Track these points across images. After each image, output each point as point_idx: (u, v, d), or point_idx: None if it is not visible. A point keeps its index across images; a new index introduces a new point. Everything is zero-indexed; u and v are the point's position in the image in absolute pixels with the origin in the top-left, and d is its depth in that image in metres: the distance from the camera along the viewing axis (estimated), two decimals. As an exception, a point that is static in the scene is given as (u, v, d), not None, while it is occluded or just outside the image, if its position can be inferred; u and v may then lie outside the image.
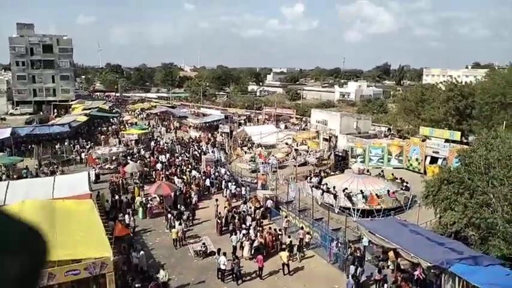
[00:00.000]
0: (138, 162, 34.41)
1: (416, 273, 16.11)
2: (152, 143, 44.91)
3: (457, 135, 33.77)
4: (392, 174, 30.39)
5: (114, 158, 36.27)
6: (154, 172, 32.80)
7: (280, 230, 21.65)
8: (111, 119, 61.11)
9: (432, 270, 15.39)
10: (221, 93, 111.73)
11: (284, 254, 18.26)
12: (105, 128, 54.39)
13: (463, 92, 41.57)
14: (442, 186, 18.87)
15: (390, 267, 17.64)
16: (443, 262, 14.52)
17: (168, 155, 38.34)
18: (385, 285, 16.49)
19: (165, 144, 44.93)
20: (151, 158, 37.36)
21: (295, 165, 34.15)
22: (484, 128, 24.01)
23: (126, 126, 55.67)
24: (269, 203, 25.14)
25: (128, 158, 36.58)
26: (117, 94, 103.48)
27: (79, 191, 21.49)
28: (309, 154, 37.72)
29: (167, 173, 31.75)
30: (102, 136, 48.26)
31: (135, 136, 46.35)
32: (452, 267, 14.30)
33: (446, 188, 18.55)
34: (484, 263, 14.50)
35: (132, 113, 72.29)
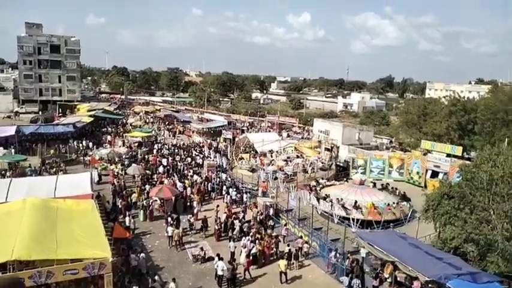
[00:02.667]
0: (141, 164, 34.61)
1: (413, 286, 16.11)
2: (155, 146, 45.03)
3: (458, 150, 33.79)
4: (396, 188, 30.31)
5: (117, 159, 36.45)
6: (156, 175, 32.93)
7: (278, 236, 21.72)
8: (115, 121, 61.43)
9: (430, 285, 15.41)
10: (225, 99, 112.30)
11: (282, 262, 18.28)
12: (110, 129, 54.72)
13: (466, 107, 41.66)
14: (443, 200, 18.92)
15: (388, 279, 17.62)
16: (441, 277, 14.54)
17: (170, 159, 38.48)
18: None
19: (165, 148, 45.01)
20: (153, 160, 37.51)
21: (308, 171, 34.37)
22: (487, 144, 24.02)
23: (131, 128, 55.96)
24: (270, 211, 25.18)
25: (129, 160, 36.75)
26: (122, 96, 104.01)
27: (81, 191, 21.59)
28: (315, 161, 37.65)
29: (168, 178, 31.60)
30: (108, 137, 48.53)
31: (139, 139, 46.58)
32: (450, 282, 14.29)
33: (446, 203, 18.60)
34: (482, 280, 14.51)
35: (136, 115, 72.67)
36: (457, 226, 17.33)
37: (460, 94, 48.24)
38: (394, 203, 25.67)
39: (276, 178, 32.67)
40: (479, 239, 16.32)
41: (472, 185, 17.60)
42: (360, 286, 16.99)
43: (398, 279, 17.27)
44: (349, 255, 19.12)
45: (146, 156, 39.57)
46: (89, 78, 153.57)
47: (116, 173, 32.10)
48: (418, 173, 34.26)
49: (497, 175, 16.66)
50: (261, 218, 24.39)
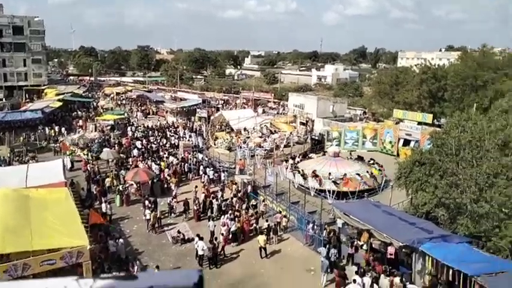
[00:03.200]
0: (114, 148, 34.03)
1: (388, 252, 16.67)
2: (129, 129, 44.20)
3: (429, 118, 34.58)
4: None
5: (89, 145, 35.68)
6: (131, 159, 32.46)
7: (257, 212, 21.96)
8: (85, 104, 59.79)
9: (404, 250, 16.00)
10: (198, 76, 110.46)
11: (261, 238, 18.56)
12: (80, 113, 53.31)
13: (436, 74, 42.33)
14: (414, 167, 19.43)
15: (364, 247, 18.17)
16: (414, 241, 15.08)
17: (144, 141, 37.92)
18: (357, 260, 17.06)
19: (139, 130, 44.28)
20: (127, 143, 36.92)
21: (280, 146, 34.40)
22: (456, 110, 24.62)
23: (102, 111, 54.63)
24: (249, 188, 25.33)
25: (100, 145, 35.94)
26: (92, 78, 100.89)
27: (54, 179, 21.05)
28: (290, 135, 37.74)
29: (143, 162, 31.15)
30: (80, 121, 47.28)
31: (111, 122, 45.57)
32: (422, 246, 14.85)
33: (418, 170, 19.12)
34: (453, 241, 15.16)
35: (107, 97, 70.86)
36: (428, 192, 17.89)
37: (430, 62, 48.91)
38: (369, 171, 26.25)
39: (253, 156, 32.70)
40: (449, 203, 16.93)
41: (442, 151, 18.14)
42: (337, 255, 17.49)
43: (373, 246, 17.85)
44: (326, 226, 19.55)
45: (119, 140, 38.87)
46: (55, 60, 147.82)
47: (87, 160, 31.47)
48: (390, 142, 34.92)
49: (464, 140, 17.21)
50: (240, 195, 24.54)
